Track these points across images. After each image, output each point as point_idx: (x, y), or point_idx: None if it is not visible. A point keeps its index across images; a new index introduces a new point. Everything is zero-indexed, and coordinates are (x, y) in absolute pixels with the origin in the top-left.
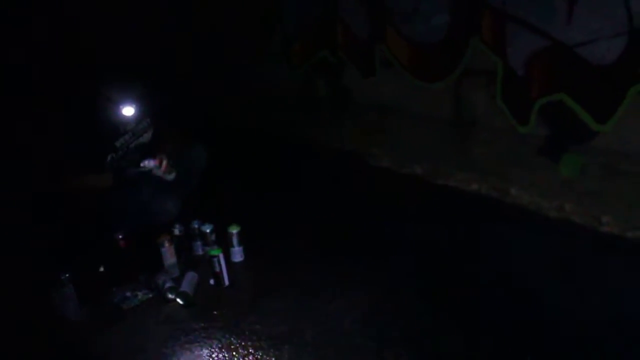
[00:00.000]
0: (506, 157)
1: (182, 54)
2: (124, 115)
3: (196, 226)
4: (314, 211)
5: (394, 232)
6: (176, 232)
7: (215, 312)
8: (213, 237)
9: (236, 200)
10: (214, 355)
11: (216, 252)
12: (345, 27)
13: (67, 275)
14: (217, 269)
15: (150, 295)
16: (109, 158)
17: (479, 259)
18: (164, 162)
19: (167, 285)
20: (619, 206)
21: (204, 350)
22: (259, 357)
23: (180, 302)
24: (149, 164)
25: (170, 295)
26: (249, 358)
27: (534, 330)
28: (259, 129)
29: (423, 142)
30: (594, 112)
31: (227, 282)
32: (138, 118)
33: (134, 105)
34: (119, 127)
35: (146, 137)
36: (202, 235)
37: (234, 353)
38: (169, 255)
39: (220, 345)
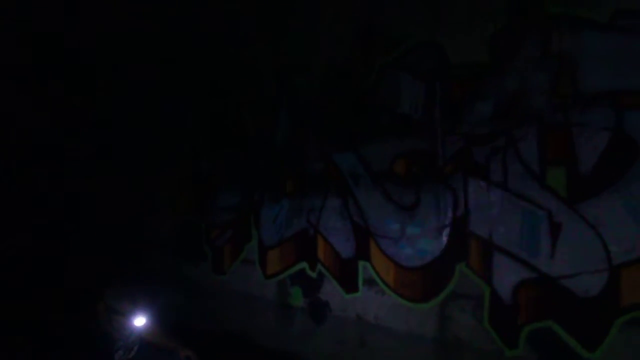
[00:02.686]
0: None
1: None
2: (131, 326)
3: None
4: None
5: None
6: None
7: None
8: None
9: None
10: None
11: None
12: (326, 242)
13: None
14: None
15: None
16: None
17: None
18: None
19: None
20: None
21: None
22: None
23: None
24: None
25: None
26: None
27: None
28: (231, 334)
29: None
30: (582, 340)
31: None
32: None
33: (144, 313)
34: (114, 341)
35: (135, 350)
36: None
37: None
38: None
39: None
